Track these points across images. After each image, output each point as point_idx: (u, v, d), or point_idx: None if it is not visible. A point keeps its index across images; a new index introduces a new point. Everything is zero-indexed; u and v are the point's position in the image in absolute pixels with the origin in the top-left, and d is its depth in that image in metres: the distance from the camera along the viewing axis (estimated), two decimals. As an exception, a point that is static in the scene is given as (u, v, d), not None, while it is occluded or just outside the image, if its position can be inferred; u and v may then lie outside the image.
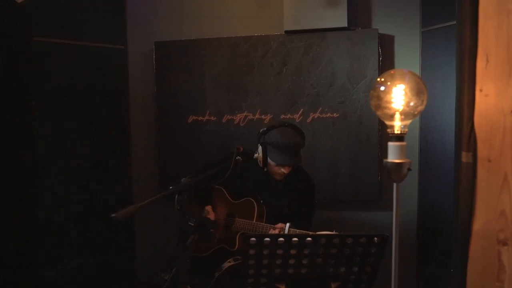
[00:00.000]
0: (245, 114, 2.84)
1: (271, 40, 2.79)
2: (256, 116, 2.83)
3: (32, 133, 2.39)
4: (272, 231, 1.91)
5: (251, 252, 1.37)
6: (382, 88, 0.96)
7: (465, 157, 1.06)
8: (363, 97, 2.67)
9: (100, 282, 2.78)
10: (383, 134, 2.69)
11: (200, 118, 2.94)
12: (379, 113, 0.98)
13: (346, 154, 2.72)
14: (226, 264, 1.99)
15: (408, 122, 0.98)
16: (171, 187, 1.24)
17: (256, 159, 1.95)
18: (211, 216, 2.14)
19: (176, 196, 1.26)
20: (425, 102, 0.95)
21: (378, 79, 0.97)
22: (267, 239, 1.35)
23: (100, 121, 2.84)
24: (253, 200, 2.07)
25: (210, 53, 2.88)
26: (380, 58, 2.66)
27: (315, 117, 2.75)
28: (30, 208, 2.32)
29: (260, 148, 1.97)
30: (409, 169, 0.95)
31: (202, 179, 1.42)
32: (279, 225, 1.92)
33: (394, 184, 0.98)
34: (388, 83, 0.96)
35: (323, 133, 2.75)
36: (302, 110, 2.77)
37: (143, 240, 3.06)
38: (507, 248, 1.02)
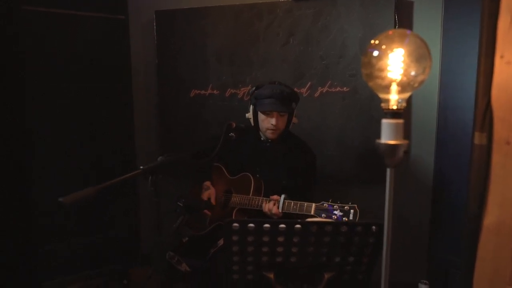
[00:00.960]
0: (249, 88, 2.67)
1: (277, 7, 2.58)
2: (261, 90, 2.66)
3: (28, 112, 2.31)
4: (265, 204, 1.81)
5: (235, 238, 1.26)
6: (376, 53, 0.79)
7: (478, 138, 0.88)
8: (376, 70, 2.45)
9: (105, 259, 2.77)
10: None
11: (202, 92, 2.80)
12: (371, 84, 0.81)
13: (356, 131, 2.54)
14: (222, 241, 1.91)
15: (406, 95, 0.81)
16: (141, 167, 1.12)
17: (248, 130, 1.90)
18: (211, 191, 2.05)
19: (150, 177, 1.14)
20: (427, 71, 0.78)
21: (372, 41, 0.80)
22: (251, 225, 1.22)
23: (101, 95, 2.73)
24: (250, 175, 1.98)
25: (212, 22, 2.71)
26: (397, 27, 2.42)
27: (324, 91, 2.56)
28: (27, 181, 2.27)
29: (251, 108, 1.99)
30: (405, 152, 0.78)
31: (179, 159, 1.29)
32: (274, 197, 1.83)
33: (388, 170, 0.82)
34: (383, 47, 0.78)
35: (332, 109, 2.56)
36: (309, 83, 2.58)
37: (148, 216, 3.02)
38: (524, 246, 0.86)
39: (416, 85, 0.79)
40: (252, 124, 1.99)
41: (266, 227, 1.22)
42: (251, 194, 1.91)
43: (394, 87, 0.79)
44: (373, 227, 1.23)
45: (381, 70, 0.78)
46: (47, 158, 2.52)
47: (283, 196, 1.77)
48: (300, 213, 1.69)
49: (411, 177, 2.58)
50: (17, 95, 2.12)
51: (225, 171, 2.09)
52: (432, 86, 2.44)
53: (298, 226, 1.22)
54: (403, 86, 0.80)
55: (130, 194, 2.88)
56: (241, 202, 1.94)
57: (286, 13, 2.57)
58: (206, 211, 1.99)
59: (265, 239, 1.25)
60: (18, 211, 2.19)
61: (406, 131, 2.54)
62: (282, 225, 1.22)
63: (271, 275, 1.32)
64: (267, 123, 1.93)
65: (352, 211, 1.58)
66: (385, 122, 0.81)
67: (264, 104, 1.92)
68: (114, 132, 2.81)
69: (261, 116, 1.96)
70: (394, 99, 0.80)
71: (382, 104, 0.82)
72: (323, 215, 1.62)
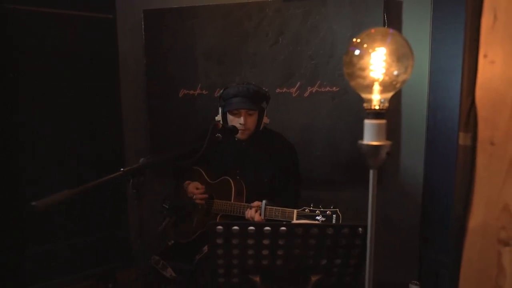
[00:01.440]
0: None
1: (266, 7, 2.56)
2: (250, 90, 2.64)
3: (17, 111, 2.27)
4: (248, 212, 1.77)
5: (219, 241, 1.23)
6: (357, 52, 0.77)
7: (462, 139, 0.87)
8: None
9: (93, 261, 2.73)
10: (388, 111, 2.47)
11: (191, 92, 2.77)
12: (353, 83, 0.79)
13: (346, 132, 2.52)
14: (206, 248, 1.87)
15: (389, 95, 0.79)
16: (122, 169, 1.09)
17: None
18: (194, 183, 2.00)
19: (131, 180, 1.11)
20: (410, 70, 0.76)
21: (354, 40, 0.78)
22: (236, 227, 1.20)
23: (89, 95, 2.69)
24: (229, 178, 1.93)
25: (201, 22, 2.67)
26: (386, 26, 2.41)
27: (313, 91, 2.54)
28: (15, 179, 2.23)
29: (220, 110, 1.97)
30: (388, 154, 0.77)
31: (161, 160, 1.26)
32: (255, 203, 1.78)
33: (371, 171, 0.80)
34: (365, 45, 0.76)
35: (322, 109, 2.54)
36: (299, 83, 2.56)
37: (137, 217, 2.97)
38: (509, 249, 0.85)
39: (398, 84, 0.77)
40: (220, 127, 1.90)
41: (251, 230, 1.20)
42: (232, 199, 1.87)
43: (376, 87, 0.77)
44: (360, 229, 1.21)
45: (363, 69, 0.76)
46: (34, 156, 2.48)
47: (264, 202, 1.72)
48: (283, 219, 1.67)
49: (401, 178, 2.58)
50: (8, 95, 2.07)
51: (204, 175, 2.04)
52: (422, 86, 2.45)
53: (283, 228, 1.20)
54: (385, 86, 0.78)
55: (120, 195, 2.84)
56: (223, 209, 1.89)
57: (275, 13, 2.55)
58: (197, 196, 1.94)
59: (250, 241, 1.23)
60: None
61: (396, 132, 2.54)
62: (267, 228, 1.20)
63: (257, 278, 1.30)
64: (236, 123, 1.88)
65: (334, 215, 1.56)
66: (368, 122, 0.79)
67: (231, 104, 1.87)
68: (102, 131, 2.78)
69: (229, 117, 1.91)
70: (376, 99, 0.78)
71: (364, 104, 0.80)
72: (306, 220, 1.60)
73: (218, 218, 1.92)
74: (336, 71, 2.49)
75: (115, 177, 1.05)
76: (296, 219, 1.60)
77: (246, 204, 1.83)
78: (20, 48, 2.41)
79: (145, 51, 2.81)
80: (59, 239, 2.58)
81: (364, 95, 0.80)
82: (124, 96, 2.93)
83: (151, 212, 2.77)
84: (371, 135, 0.78)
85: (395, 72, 0.78)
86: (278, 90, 2.60)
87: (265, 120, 1.96)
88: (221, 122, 1.80)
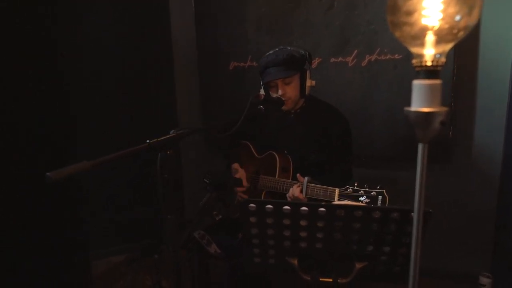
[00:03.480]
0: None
1: (320, -33, 2.34)
2: (302, 61, 2.47)
3: (68, 84, 2.35)
4: (291, 189, 1.64)
5: (252, 219, 1.14)
6: (404, -10, 0.59)
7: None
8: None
9: (142, 233, 2.82)
10: (460, 79, 2.16)
11: (241, 64, 2.67)
12: (397, 34, 0.62)
13: (409, 103, 2.25)
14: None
15: (447, 47, 0.61)
16: (148, 141, 1.03)
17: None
18: (241, 174, 1.93)
19: (159, 154, 1.05)
20: (477, 12, 0.57)
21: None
22: (270, 206, 1.10)
23: (143, 70, 2.72)
24: (275, 153, 1.80)
25: (251, -11, 2.54)
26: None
27: (372, 59, 2.30)
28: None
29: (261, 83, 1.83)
30: (442, 123, 0.60)
31: (193, 132, 1.19)
32: (301, 178, 1.65)
33: (420, 146, 0.64)
34: (414, -18, 0.59)
35: (382, 79, 2.30)
36: (356, 51, 2.33)
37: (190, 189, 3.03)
38: None
39: (460, 33, 0.59)
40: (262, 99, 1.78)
41: (286, 209, 1.09)
42: (277, 175, 1.76)
43: (429, 37, 0.60)
44: (412, 214, 1.04)
45: (410, 13, 0.59)
46: (91, 130, 2.57)
47: (306, 178, 1.59)
48: (324, 198, 1.52)
49: (475, 157, 2.27)
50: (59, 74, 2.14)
51: (252, 150, 1.95)
52: (507, 38, 2.06)
53: (322, 209, 1.07)
54: (441, 35, 0.60)
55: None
56: (268, 185, 1.80)
57: (330, -26, 2.32)
58: (238, 190, 1.89)
59: (286, 222, 1.12)
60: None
61: (469, 98, 2.20)
62: (304, 208, 1.08)
63: (295, 261, 1.19)
64: (275, 95, 1.75)
65: (380, 197, 1.37)
66: (417, 83, 0.62)
67: (265, 76, 1.75)
68: (156, 105, 2.80)
69: (268, 89, 1.78)
70: (430, 54, 0.61)
71: (414, 61, 0.63)
72: (347, 201, 1.44)
73: (263, 194, 1.84)
74: (399, 36, 2.22)
75: (139, 149, 0.99)
76: (338, 199, 1.46)
77: (291, 181, 1.72)
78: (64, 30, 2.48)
79: (195, 23, 2.75)
80: (107, 212, 2.69)
81: (414, 49, 0.63)
82: (176, 70, 2.93)
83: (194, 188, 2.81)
84: (421, 99, 0.61)
85: (457, 17, 0.60)
86: (332, 60, 2.40)
87: (310, 83, 1.78)
88: (262, 93, 1.68)
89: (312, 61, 2.41)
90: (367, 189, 1.40)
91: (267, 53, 1.79)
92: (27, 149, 1.88)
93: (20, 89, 1.86)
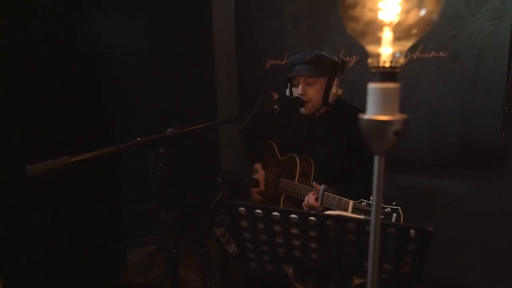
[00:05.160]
0: (326, 56, 2.40)
1: (360, -41, 2.20)
2: (340, 59, 2.36)
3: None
4: (307, 196, 1.57)
5: (244, 223, 1.11)
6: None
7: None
8: (487, 28, 1.91)
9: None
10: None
11: (278, 61, 2.63)
12: (351, 25, 0.54)
13: (455, 106, 2.05)
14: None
15: (407, 45, 0.53)
16: (138, 138, 1.04)
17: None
18: (260, 175, 1.90)
19: (153, 153, 1.06)
20: (440, 4, 0.48)
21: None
22: (259, 211, 1.06)
23: (185, 66, 2.80)
24: (296, 156, 1.73)
25: (289, -15, 2.48)
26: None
27: (414, 57, 2.13)
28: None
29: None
30: (396, 134, 0.52)
31: (191, 131, 1.18)
32: (317, 186, 1.58)
33: (376, 158, 0.56)
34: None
35: (424, 79, 2.11)
36: (396, 49, 2.17)
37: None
38: None
39: (417, 30, 0.50)
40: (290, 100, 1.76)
41: (276, 216, 1.04)
42: (296, 179, 1.69)
43: (386, 34, 0.52)
44: (412, 231, 0.93)
45: (357, 5, 0.51)
46: (131, 129, 2.71)
47: (323, 187, 1.51)
48: (338, 209, 1.43)
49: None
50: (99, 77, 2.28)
51: (276, 151, 1.89)
52: None
53: (312, 218, 1.00)
54: (402, 32, 0.52)
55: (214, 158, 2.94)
56: (287, 189, 1.74)
57: (371, -35, 2.18)
58: (254, 193, 1.87)
59: (277, 228, 1.07)
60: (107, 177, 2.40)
61: (498, 112, 1.94)
62: (294, 215, 1.02)
63: (290, 270, 1.14)
64: (296, 94, 1.68)
65: (394, 214, 1.26)
66: (372, 87, 0.55)
67: (290, 73, 1.70)
68: (197, 101, 2.87)
69: (293, 90, 1.72)
70: (386, 53, 0.53)
71: (369, 60, 0.56)
72: (361, 216, 1.33)
73: (282, 198, 1.79)
74: (445, 31, 2.02)
75: (129, 147, 1.01)
76: (351, 212, 1.36)
77: (309, 187, 1.65)
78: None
79: (235, 20, 2.76)
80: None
81: (369, 47, 0.55)
82: (217, 67, 2.97)
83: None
84: (374, 105, 0.53)
85: (423, 11, 0.51)
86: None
87: (336, 91, 1.68)
88: (276, 93, 1.62)
89: (350, 60, 2.30)
90: (382, 205, 1.29)
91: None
92: (70, 140, 2.03)
93: (62, 88, 2.01)
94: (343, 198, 1.43)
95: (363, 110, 1.73)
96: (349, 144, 1.67)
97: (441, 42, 2.03)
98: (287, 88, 1.80)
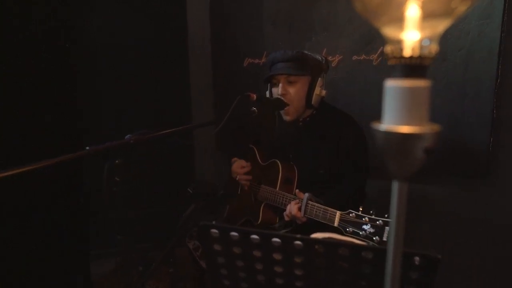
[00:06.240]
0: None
1: (344, -47, 2.08)
2: (321, 58, 2.23)
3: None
4: (289, 205, 1.43)
5: (217, 247, 0.94)
6: None
7: None
8: (475, 27, 1.82)
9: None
10: (505, 82, 1.83)
11: (256, 60, 2.47)
12: (357, 5, 0.39)
13: (441, 110, 1.95)
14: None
15: (438, 30, 0.38)
16: (87, 147, 0.86)
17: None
18: (240, 162, 1.74)
19: (106, 164, 0.88)
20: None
21: None
22: (234, 233, 0.89)
23: (157, 65, 2.60)
24: (278, 162, 1.59)
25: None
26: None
27: (400, 58, 2.01)
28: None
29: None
30: (428, 151, 0.37)
31: (154, 137, 1.00)
32: (300, 195, 1.43)
33: (395, 185, 0.41)
34: None
35: (410, 81, 2.00)
36: (381, 49, 2.05)
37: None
38: None
39: (460, 8, 0.36)
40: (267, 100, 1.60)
41: (255, 239, 0.88)
42: (278, 186, 1.55)
43: (412, 12, 0.37)
44: (416, 258, 0.79)
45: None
46: (100, 125, 2.48)
47: (306, 195, 1.36)
48: (323, 221, 1.29)
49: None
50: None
51: (257, 155, 1.74)
52: None
53: (298, 243, 0.85)
54: (434, 13, 0.37)
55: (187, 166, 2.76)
56: (267, 197, 1.59)
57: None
58: (240, 176, 1.69)
59: (257, 254, 0.91)
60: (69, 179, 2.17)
61: (486, 116, 1.86)
62: (276, 239, 0.86)
63: (272, 300, 0.98)
64: (276, 95, 1.54)
65: (387, 228, 1.12)
66: (392, 85, 0.39)
67: (269, 72, 1.57)
68: (169, 103, 2.67)
69: (273, 90, 1.58)
70: (411, 39, 0.38)
71: (388, 48, 0.40)
72: (348, 229, 1.19)
73: (262, 207, 1.63)
74: (432, 31, 1.91)
75: (77, 156, 0.82)
76: (338, 224, 1.22)
77: (292, 195, 1.50)
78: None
79: (210, 16, 2.59)
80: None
81: (388, 31, 0.40)
82: (191, 66, 2.78)
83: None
84: (396, 111, 0.38)
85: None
86: (355, 57, 2.13)
87: (319, 92, 1.54)
88: (255, 94, 1.46)
89: (332, 59, 2.17)
90: (373, 217, 1.15)
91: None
92: (32, 143, 1.80)
93: (29, 85, 1.78)
94: (329, 209, 1.29)
95: (349, 114, 1.58)
96: (336, 150, 1.53)
97: (428, 42, 1.92)
98: (267, 90, 1.65)
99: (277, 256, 0.89)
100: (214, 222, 1.83)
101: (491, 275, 2.00)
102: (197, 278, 1.77)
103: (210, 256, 0.96)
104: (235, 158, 1.78)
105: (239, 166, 1.72)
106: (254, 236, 0.87)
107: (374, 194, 1.65)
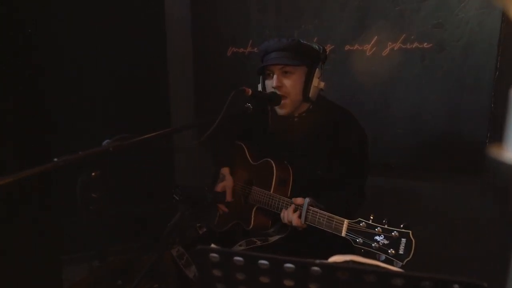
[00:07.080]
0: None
1: None
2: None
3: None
4: (285, 211, 1.31)
5: (216, 273, 0.80)
6: None
7: None
8: (475, 17, 1.73)
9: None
10: (504, 74, 1.76)
11: (241, 50, 2.32)
12: None
13: (439, 102, 1.87)
14: (236, 249, 1.47)
15: None
16: (55, 159, 0.69)
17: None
18: (227, 182, 1.59)
19: (80, 178, 0.72)
20: None
21: None
22: (239, 258, 0.75)
23: (135, 52, 2.37)
24: (271, 161, 1.45)
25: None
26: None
27: (395, 48, 1.91)
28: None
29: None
30: None
31: (137, 143, 0.84)
32: (298, 200, 1.31)
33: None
34: None
35: (406, 72, 1.91)
36: (376, 38, 1.94)
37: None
38: None
39: None
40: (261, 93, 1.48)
41: (264, 265, 0.74)
42: (272, 188, 1.41)
43: None
44: (456, 286, 0.67)
45: None
46: (74, 118, 2.26)
47: (307, 201, 1.24)
48: (328, 229, 1.17)
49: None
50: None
51: (247, 154, 1.60)
52: None
53: (316, 269, 0.72)
54: None
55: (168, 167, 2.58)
56: (260, 200, 1.45)
57: None
58: (219, 205, 1.56)
59: (264, 280, 0.77)
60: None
61: (484, 109, 1.80)
62: (290, 265, 0.73)
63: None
64: (270, 88, 1.41)
65: (403, 240, 1.00)
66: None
67: (263, 62, 1.43)
68: (146, 100, 2.44)
69: (266, 83, 1.45)
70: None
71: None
72: (358, 239, 1.07)
73: (253, 211, 1.50)
74: (430, 20, 1.82)
75: (42, 171, 0.66)
76: (345, 234, 1.10)
77: (288, 199, 1.37)
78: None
79: (191, 2, 2.40)
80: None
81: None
82: (170, 54, 2.57)
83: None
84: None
85: None
86: (347, 47, 2.01)
87: (317, 83, 1.41)
88: (250, 88, 1.31)
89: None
90: (386, 227, 1.03)
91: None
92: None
93: None
94: (335, 217, 1.17)
95: (348, 109, 1.44)
96: (335, 149, 1.41)
97: (425, 32, 1.83)
98: (259, 83, 1.50)
99: (288, 283, 0.76)
100: (212, 245, 1.68)
101: (489, 267, 1.96)
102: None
103: (208, 281, 0.82)
104: (226, 170, 1.63)
105: (222, 186, 1.58)
106: (263, 262, 0.74)
107: (374, 194, 1.55)
